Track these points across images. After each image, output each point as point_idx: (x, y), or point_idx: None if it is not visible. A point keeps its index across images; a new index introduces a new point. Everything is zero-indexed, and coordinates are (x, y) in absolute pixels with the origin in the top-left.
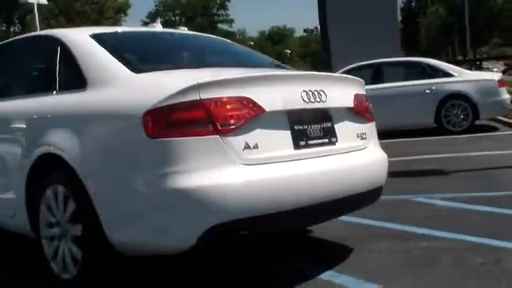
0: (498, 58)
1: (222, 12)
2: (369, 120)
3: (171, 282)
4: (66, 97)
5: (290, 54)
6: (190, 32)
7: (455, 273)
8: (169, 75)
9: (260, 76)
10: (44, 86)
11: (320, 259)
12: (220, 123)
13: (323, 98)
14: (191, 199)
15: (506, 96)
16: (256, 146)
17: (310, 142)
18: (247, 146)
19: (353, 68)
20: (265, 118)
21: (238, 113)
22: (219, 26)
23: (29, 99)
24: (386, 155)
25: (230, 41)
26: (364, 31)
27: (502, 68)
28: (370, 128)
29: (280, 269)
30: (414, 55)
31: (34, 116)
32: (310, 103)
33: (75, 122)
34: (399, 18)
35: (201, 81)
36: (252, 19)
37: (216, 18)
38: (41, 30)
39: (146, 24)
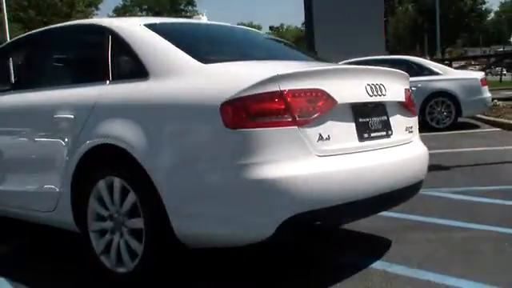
0: (459, 59)
1: (190, 8)
2: (414, 114)
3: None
4: (123, 87)
5: None
6: (229, 24)
7: (500, 260)
8: (242, 66)
9: (333, 69)
10: (92, 75)
11: (365, 251)
12: (298, 114)
13: (383, 92)
14: (273, 190)
15: (487, 94)
16: (328, 138)
17: (372, 135)
18: (321, 138)
19: None
20: (335, 110)
21: (314, 104)
22: None
23: (74, 89)
24: (427, 149)
25: (264, 33)
26: (350, 30)
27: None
28: (415, 122)
29: (332, 261)
30: (399, 53)
31: (83, 106)
32: (373, 96)
33: (138, 112)
34: None
35: (280, 72)
36: (219, 16)
37: (183, 13)
38: (9, 22)
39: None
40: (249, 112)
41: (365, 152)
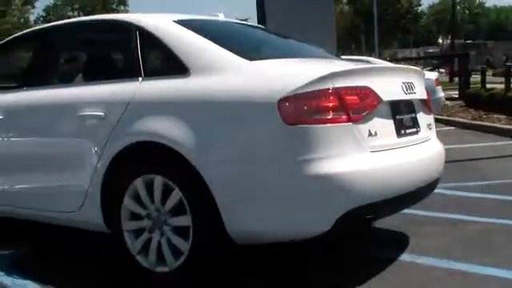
0: (391, 60)
1: (122, 8)
2: (431, 111)
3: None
4: (161, 83)
5: None
6: (245, 22)
7: None
8: (288, 64)
9: (377, 67)
10: (121, 72)
11: (390, 245)
12: (352, 111)
13: (414, 90)
14: (332, 185)
15: (442, 94)
16: (375, 134)
17: (407, 131)
18: (370, 134)
19: None
20: (380, 108)
21: (365, 102)
22: None
23: (101, 86)
24: (443, 147)
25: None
26: (301, 28)
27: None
28: (432, 119)
29: (360, 255)
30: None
31: (115, 103)
32: (407, 94)
33: (182, 109)
34: None
35: (334, 70)
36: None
37: (115, 13)
38: None
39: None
40: (306, 108)
41: (402, 148)
